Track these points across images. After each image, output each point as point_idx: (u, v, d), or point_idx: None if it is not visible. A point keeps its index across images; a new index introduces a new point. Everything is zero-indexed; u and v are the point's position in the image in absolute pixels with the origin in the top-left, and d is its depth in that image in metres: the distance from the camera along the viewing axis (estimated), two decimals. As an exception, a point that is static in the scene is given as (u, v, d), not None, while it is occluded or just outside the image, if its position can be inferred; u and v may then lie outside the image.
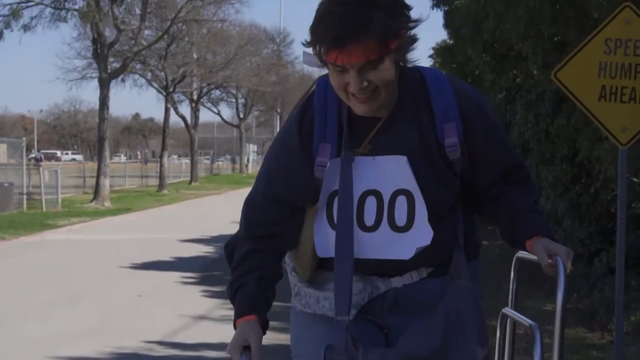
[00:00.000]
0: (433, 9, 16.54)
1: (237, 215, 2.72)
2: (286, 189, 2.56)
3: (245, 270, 2.57)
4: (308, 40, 2.39)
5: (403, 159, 2.46)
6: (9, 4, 29.16)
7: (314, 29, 2.35)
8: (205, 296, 10.86)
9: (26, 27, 29.59)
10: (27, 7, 29.47)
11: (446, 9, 15.16)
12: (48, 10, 29.91)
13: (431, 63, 33.09)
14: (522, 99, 12.18)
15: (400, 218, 2.48)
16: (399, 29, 2.34)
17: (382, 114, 2.48)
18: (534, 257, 2.51)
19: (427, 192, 2.47)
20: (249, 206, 2.65)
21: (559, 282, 2.42)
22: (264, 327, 2.55)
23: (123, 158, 78.92)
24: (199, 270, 13.28)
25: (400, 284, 2.57)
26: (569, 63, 6.58)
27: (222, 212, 24.90)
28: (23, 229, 20.32)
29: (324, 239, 2.53)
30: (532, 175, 2.79)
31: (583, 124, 9.46)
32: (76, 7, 30.22)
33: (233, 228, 2.75)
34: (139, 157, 68.39)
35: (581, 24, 8.73)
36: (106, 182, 29.94)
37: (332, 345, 2.45)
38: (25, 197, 26.79)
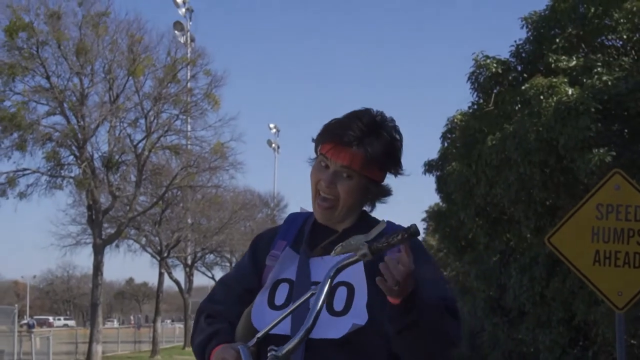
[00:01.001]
0: (425, 174, 16.84)
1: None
2: (235, 278, 2.96)
3: (213, 324, 2.81)
4: (315, 136, 2.86)
5: (361, 263, 2.61)
6: (5, 173, 29.47)
7: (327, 126, 2.83)
8: None
9: (22, 195, 29.74)
10: (24, 175, 29.79)
11: (438, 174, 15.39)
12: (44, 178, 30.20)
13: (424, 227, 33.33)
14: (516, 262, 12.21)
15: (339, 305, 2.70)
16: (383, 166, 2.80)
17: (339, 227, 2.87)
18: None
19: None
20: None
21: None
22: None
23: (116, 323, 78.08)
24: None
25: None
26: (561, 228, 6.64)
27: (215, 379, 24.35)
28: (13, 398, 19.93)
29: (260, 315, 2.74)
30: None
31: (578, 287, 9.47)
32: (72, 174, 30.51)
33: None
34: (132, 322, 67.70)
35: (572, 189, 8.87)
36: (98, 349, 29.56)
37: None
38: (15, 365, 26.38)
